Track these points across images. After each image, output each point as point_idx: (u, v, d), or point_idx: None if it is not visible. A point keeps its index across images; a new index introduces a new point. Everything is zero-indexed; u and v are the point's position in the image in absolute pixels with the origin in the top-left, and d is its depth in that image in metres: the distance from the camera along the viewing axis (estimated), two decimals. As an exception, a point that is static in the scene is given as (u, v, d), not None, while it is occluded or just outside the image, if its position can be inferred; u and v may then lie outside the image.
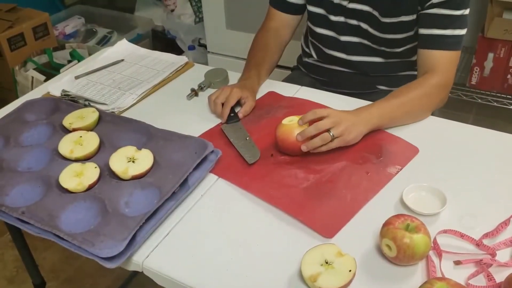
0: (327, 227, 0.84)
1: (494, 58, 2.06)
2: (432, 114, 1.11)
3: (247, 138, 1.04)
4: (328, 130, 0.95)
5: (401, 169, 0.95)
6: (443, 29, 1.08)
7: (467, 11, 1.09)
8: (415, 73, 1.28)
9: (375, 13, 1.16)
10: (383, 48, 1.22)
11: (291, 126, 0.98)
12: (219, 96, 1.12)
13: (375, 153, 1.00)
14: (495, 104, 2.14)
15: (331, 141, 0.96)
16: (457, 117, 1.09)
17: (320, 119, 0.96)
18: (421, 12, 1.11)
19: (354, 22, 1.20)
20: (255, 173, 0.97)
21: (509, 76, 2.09)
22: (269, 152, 1.02)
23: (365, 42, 1.22)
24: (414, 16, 1.13)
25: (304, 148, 0.96)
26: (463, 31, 1.09)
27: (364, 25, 1.19)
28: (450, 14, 1.07)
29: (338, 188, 0.92)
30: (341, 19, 1.21)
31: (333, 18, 1.22)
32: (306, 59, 1.39)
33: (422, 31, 1.11)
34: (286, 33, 1.33)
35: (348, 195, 0.90)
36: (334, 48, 1.27)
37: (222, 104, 1.12)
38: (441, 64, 1.09)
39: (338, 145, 0.97)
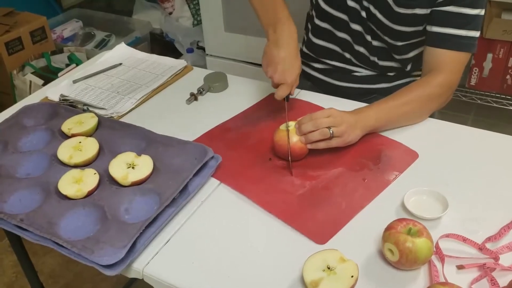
0: (320, 234, 0.83)
1: (493, 59, 2.06)
2: (431, 116, 1.10)
3: None
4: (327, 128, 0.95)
5: (399, 175, 0.95)
6: (458, 29, 1.06)
7: (482, 12, 1.06)
8: (415, 79, 1.27)
9: (390, 1, 1.12)
10: (386, 38, 1.18)
11: (289, 132, 0.97)
12: (283, 93, 1.07)
13: (373, 159, 0.99)
14: (494, 105, 2.14)
15: (330, 139, 0.96)
16: (456, 118, 1.08)
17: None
18: (436, 8, 1.07)
19: (365, 3, 1.15)
20: (252, 176, 0.96)
21: (508, 76, 2.09)
22: (267, 156, 1.01)
23: (371, 26, 1.18)
24: (428, 11, 1.09)
25: (302, 139, 0.97)
26: (477, 33, 1.07)
27: (373, 10, 1.15)
28: (466, 13, 1.04)
29: (334, 196, 0.91)
30: (355, 5, 1.17)
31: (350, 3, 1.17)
32: (305, 68, 1.37)
33: (435, 29, 1.08)
34: None
35: (343, 203, 0.89)
36: (345, 31, 1.22)
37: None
38: (449, 64, 1.07)
39: (337, 145, 0.97)
